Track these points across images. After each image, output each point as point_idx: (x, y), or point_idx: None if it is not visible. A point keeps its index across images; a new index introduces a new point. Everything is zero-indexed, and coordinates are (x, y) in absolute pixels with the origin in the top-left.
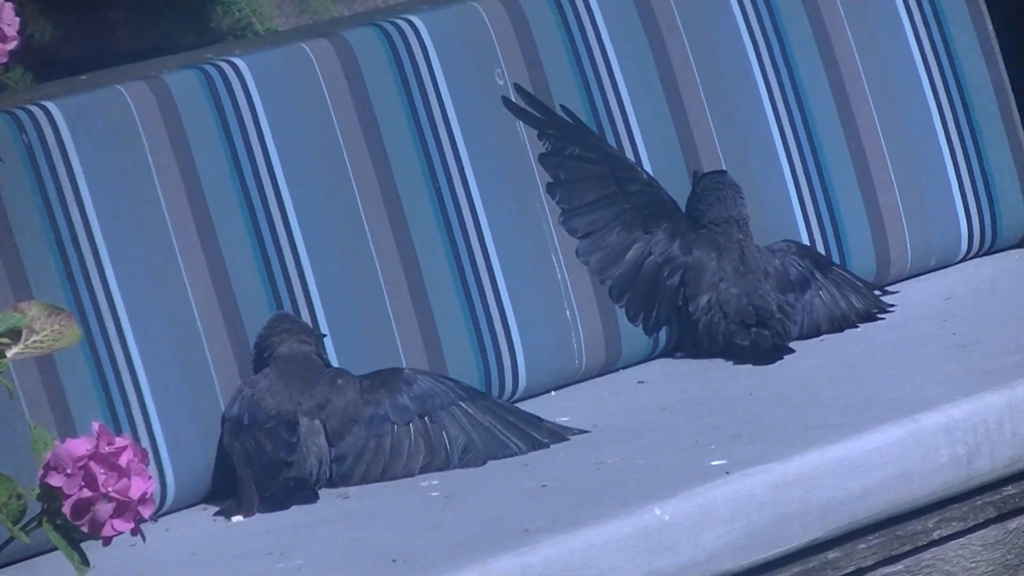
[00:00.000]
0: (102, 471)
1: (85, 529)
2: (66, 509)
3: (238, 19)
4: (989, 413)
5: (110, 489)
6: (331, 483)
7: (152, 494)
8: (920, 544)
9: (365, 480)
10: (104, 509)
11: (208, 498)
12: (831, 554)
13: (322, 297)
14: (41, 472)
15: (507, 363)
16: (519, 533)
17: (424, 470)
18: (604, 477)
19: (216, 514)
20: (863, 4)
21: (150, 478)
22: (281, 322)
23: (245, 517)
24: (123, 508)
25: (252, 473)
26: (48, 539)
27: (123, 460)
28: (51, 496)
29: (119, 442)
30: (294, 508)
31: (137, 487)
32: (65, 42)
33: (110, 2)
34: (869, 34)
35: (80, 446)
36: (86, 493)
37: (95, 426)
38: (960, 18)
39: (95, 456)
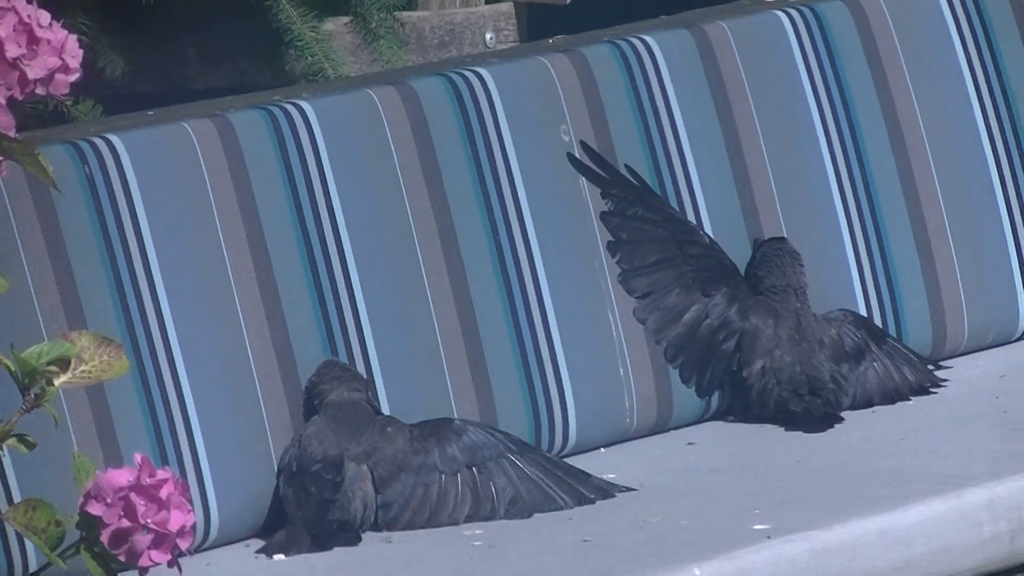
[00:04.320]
0: (142, 502)
1: (123, 559)
2: (104, 538)
3: (311, 63)
4: None
5: (149, 520)
6: (376, 528)
7: (191, 527)
8: None
9: (410, 527)
10: (142, 540)
11: (252, 535)
12: None
13: (376, 343)
14: (81, 500)
15: (558, 417)
16: None
17: (469, 519)
18: (646, 535)
19: (258, 551)
20: (931, 75)
21: (190, 511)
22: (331, 369)
23: (286, 556)
24: (161, 540)
25: (300, 516)
26: (86, 567)
27: (163, 492)
28: (90, 524)
29: (160, 474)
30: (337, 550)
31: (176, 520)
32: (137, 77)
33: (185, 39)
34: (935, 105)
35: (122, 476)
36: (125, 523)
37: (137, 457)
38: None
39: (136, 487)
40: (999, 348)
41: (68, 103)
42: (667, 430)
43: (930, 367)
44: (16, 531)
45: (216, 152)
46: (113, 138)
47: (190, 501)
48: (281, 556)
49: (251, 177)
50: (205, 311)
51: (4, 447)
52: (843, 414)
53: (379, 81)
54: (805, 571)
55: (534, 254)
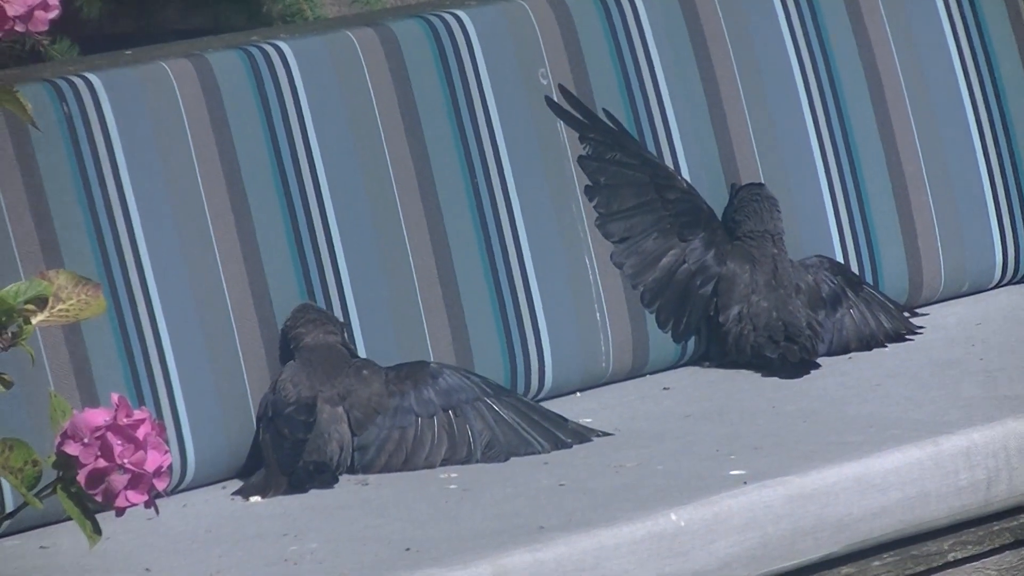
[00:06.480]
0: (119, 442)
1: (99, 499)
2: (81, 478)
3: (289, 4)
4: (1010, 439)
5: (126, 460)
6: (352, 471)
7: (168, 468)
8: (935, 565)
9: (386, 470)
10: (119, 480)
11: (229, 478)
12: (845, 570)
13: (353, 286)
14: (58, 440)
15: (534, 361)
16: (534, 530)
17: (446, 463)
18: (622, 480)
19: (234, 493)
20: (908, 23)
21: (166, 452)
22: (307, 312)
23: (263, 498)
24: (138, 480)
25: (276, 458)
26: (62, 508)
27: (140, 432)
28: (67, 464)
29: (137, 415)
30: (312, 492)
31: (153, 460)
32: (114, 17)
33: None
34: (914, 54)
35: (98, 416)
36: (101, 463)
37: (114, 397)
38: (1006, 45)
39: (112, 427)
40: (975, 296)
41: (45, 42)
42: (643, 375)
43: (906, 314)
44: None
45: (194, 92)
46: (92, 77)
47: (166, 441)
48: (258, 498)
49: (229, 117)
50: (182, 251)
51: None
52: (819, 360)
53: (358, 23)
54: (781, 517)
55: (511, 197)
